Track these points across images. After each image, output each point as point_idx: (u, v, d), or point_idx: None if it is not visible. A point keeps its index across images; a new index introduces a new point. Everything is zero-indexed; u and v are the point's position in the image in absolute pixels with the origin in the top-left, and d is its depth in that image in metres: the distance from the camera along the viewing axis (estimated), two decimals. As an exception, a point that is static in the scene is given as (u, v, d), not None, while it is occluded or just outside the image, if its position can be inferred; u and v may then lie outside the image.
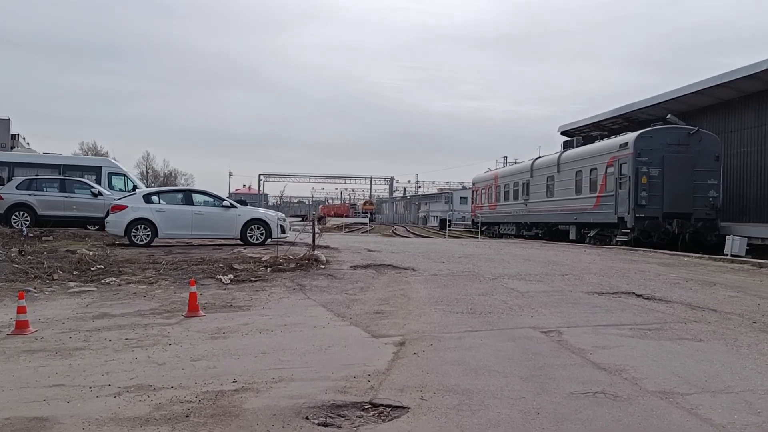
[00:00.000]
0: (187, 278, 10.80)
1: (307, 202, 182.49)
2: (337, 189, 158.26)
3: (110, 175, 19.92)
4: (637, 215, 20.47)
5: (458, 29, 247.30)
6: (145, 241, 14.98)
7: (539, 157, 30.21)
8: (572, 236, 25.24)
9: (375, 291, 9.93)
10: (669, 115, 23.95)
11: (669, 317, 7.84)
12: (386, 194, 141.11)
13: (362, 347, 6.28)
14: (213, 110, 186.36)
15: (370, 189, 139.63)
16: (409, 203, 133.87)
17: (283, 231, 15.89)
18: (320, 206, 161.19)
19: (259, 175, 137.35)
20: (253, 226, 15.59)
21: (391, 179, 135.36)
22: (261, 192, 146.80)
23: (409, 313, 8.08)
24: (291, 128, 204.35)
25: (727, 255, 17.04)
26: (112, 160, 23.19)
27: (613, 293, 9.80)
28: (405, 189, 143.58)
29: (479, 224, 35.47)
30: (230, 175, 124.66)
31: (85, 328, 7.44)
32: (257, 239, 15.54)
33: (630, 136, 21.53)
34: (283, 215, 16.43)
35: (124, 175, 20.27)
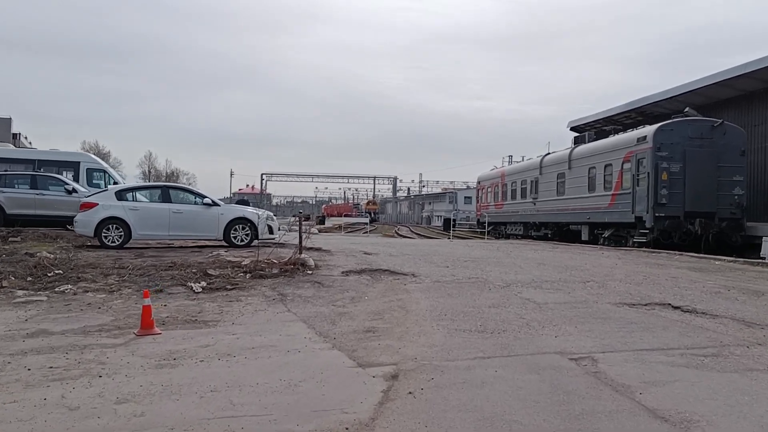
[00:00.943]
0: (154, 285, 9.44)
1: (311, 202, 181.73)
2: (340, 189, 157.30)
3: (89, 171, 18.55)
4: (657, 214, 19.00)
5: (461, 29, 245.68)
6: (117, 243, 13.59)
7: (548, 153, 28.76)
8: (585, 237, 23.78)
9: (368, 302, 8.54)
10: (687, 108, 22.45)
11: (724, 338, 6.42)
12: (390, 194, 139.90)
13: (343, 383, 4.88)
14: (214, 110, 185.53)
15: (374, 189, 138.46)
16: (413, 203, 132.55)
17: (270, 231, 14.51)
18: (323, 206, 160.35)
19: (262, 174, 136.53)
20: (237, 226, 14.19)
21: (395, 179, 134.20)
22: (264, 192, 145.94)
23: (406, 331, 6.68)
24: (293, 128, 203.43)
25: (764, 259, 15.56)
26: (92, 155, 21.81)
27: (645, 305, 8.38)
28: (409, 189, 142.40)
29: (485, 224, 34.05)
30: (231, 175, 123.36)
31: (9, 350, 6.06)
32: (242, 240, 14.16)
33: (649, 129, 20.07)
34: (272, 214, 15.04)
35: (104, 171, 18.90)
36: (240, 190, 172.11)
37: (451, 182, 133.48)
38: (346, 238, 21.98)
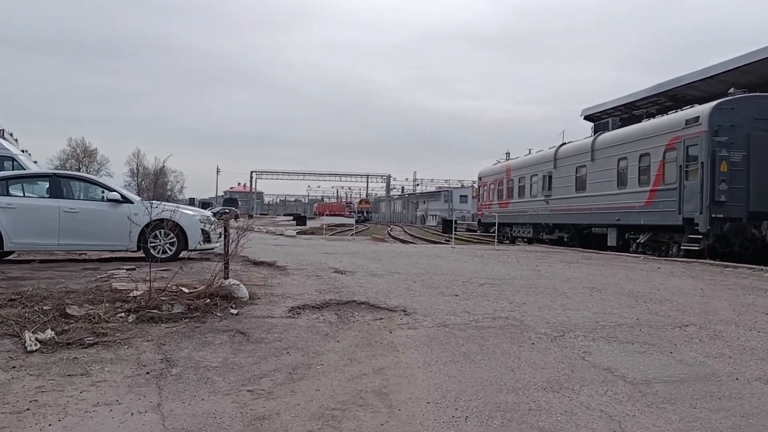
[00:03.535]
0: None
1: (304, 201, 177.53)
2: (333, 187, 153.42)
3: (-8, 158, 14.39)
4: (714, 215, 15.03)
5: (457, 29, 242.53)
6: (-26, 257, 9.52)
7: (564, 143, 24.80)
8: (612, 242, 19.82)
9: (319, 380, 4.53)
10: (732, 89, 18.50)
11: None
12: (383, 193, 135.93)
13: None
14: (209, 109, 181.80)
15: (367, 187, 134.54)
16: (407, 202, 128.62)
17: (208, 239, 10.46)
18: (315, 204, 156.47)
19: (251, 172, 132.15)
20: (158, 232, 10.12)
21: (389, 177, 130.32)
22: (254, 190, 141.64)
23: None
24: (289, 127, 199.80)
25: None
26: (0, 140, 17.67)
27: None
28: (403, 187, 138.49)
29: (488, 225, 30.07)
30: (218, 172, 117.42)
31: None
32: (165, 252, 10.11)
33: (702, 109, 16.09)
34: (210, 215, 10.96)
35: (13, 159, 14.76)
36: (231, 188, 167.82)
37: (446, 180, 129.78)
38: (324, 244, 17.88)
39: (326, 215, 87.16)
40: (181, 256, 10.34)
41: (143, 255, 10.15)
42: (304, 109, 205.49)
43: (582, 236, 22.66)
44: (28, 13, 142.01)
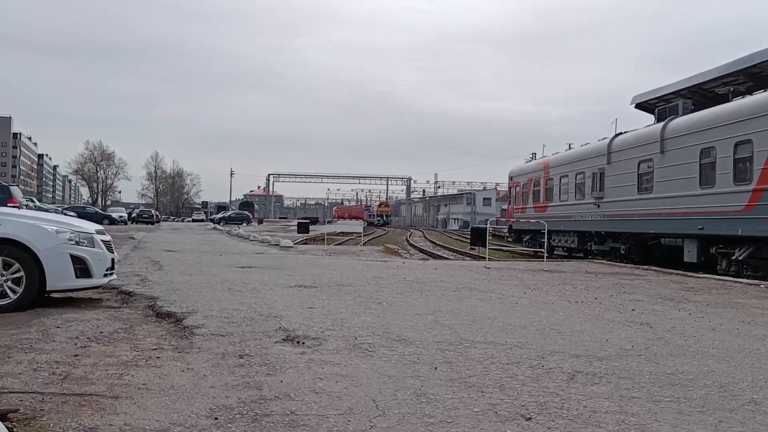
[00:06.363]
0: None
1: (324, 204, 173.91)
2: (353, 190, 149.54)
3: None
4: None
5: (475, 29, 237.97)
6: None
7: (620, 133, 20.27)
8: (690, 257, 15.28)
9: None
10: None
11: None
12: (403, 195, 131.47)
13: None
14: (228, 112, 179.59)
15: (387, 190, 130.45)
16: (428, 205, 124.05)
17: (86, 271, 6.25)
18: (334, 208, 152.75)
19: (269, 175, 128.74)
20: (-6, 261, 5.97)
21: (409, 179, 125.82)
22: (271, 193, 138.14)
23: None
24: (308, 129, 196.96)
25: None
26: None
27: None
28: (424, 190, 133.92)
29: (528, 233, 25.62)
30: (231, 174, 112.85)
31: None
32: (6, 295, 5.94)
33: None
34: (92, 230, 6.64)
35: None
36: (251, 191, 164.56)
37: (468, 183, 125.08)
38: (313, 263, 13.56)
39: (345, 219, 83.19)
40: (48, 297, 6.18)
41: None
42: (322, 111, 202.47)
43: (644, 248, 18.12)
44: (55, 18, 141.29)
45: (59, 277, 6.09)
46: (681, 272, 13.47)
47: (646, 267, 15.07)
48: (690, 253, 15.44)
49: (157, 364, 4.24)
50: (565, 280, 11.07)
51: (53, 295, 6.65)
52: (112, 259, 6.79)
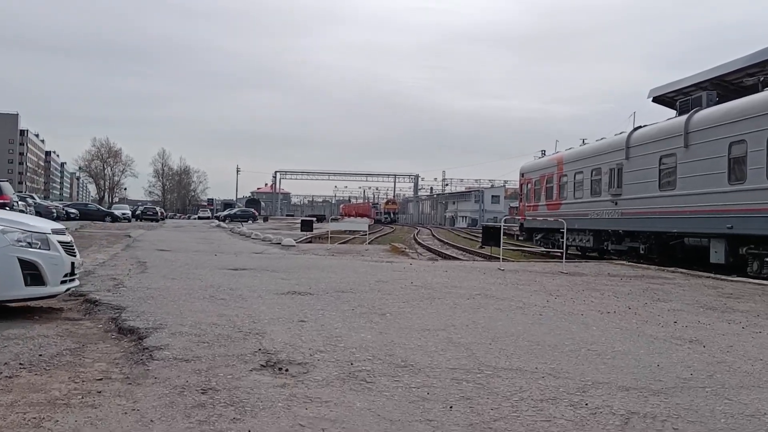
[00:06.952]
0: None
1: (331, 202, 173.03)
2: (360, 188, 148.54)
3: None
4: None
5: (482, 29, 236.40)
6: None
7: (639, 127, 19.21)
8: (718, 258, 14.27)
9: None
10: None
11: None
12: (411, 193, 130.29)
13: None
14: (235, 110, 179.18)
15: (394, 187, 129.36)
16: (436, 202, 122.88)
17: (38, 278, 5.36)
18: (341, 205, 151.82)
19: (275, 172, 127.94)
20: None
21: (416, 177, 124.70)
22: (278, 190, 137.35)
23: None
24: (315, 128, 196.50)
25: None
26: None
27: None
28: (432, 188, 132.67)
29: (540, 231, 24.57)
30: (238, 171, 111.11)
31: None
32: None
33: None
34: (48, 229, 5.70)
35: None
36: (259, 189, 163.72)
37: (477, 180, 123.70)
38: (313, 265, 12.62)
39: (352, 217, 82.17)
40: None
41: None
42: (329, 109, 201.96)
43: (666, 247, 17.12)
44: (63, 18, 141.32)
45: (4, 285, 5.20)
46: (711, 275, 12.44)
47: (673, 269, 14.03)
48: (717, 254, 14.42)
49: (95, 402, 3.32)
50: (588, 284, 10.06)
51: (8, 305, 5.76)
52: (73, 264, 5.89)
